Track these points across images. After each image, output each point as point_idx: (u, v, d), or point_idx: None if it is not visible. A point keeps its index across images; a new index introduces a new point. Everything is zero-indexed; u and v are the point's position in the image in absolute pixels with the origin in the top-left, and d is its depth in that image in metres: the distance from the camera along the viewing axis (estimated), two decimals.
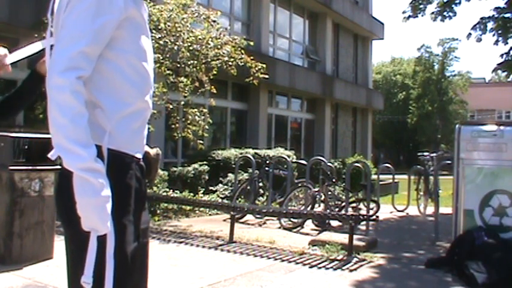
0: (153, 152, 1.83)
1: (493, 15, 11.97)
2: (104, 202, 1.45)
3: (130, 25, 1.61)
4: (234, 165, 9.42)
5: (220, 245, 5.83)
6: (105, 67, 1.57)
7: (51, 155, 1.59)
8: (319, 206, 7.93)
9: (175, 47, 7.60)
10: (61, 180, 1.59)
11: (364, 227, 7.11)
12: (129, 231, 1.58)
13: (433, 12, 12.38)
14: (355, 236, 5.66)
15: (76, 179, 1.44)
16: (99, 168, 1.46)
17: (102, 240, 1.47)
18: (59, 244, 4.81)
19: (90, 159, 1.44)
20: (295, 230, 7.09)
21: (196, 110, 8.30)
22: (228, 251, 5.58)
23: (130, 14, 1.60)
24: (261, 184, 8.86)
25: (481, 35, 12.20)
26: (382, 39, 24.50)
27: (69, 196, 1.47)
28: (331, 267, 4.96)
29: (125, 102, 1.61)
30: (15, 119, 7.59)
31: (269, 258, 5.27)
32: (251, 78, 8.30)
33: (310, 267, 4.96)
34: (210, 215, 8.44)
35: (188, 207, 8.37)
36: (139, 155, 1.67)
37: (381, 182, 11.27)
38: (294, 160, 10.86)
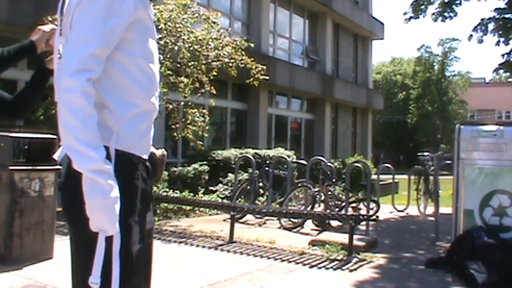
0: (158, 152, 1.84)
1: (494, 16, 11.98)
2: (113, 203, 1.46)
3: (138, 27, 1.62)
4: (234, 165, 9.43)
5: (220, 245, 5.83)
6: (112, 68, 1.58)
7: (57, 156, 1.59)
8: (319, 206, 7.92)
9: (176, 48, 7.60)
10: (66, 180, 1.59)
11: (364, 227, 7.10)
12: (135, 232, 1.58)
13: (433, 13, 12.39)
14: (355, 236, 5.66)
15: (85, 181, 1.44)
16: (108, 169, 1.46)
17: (108, 240, 1.48)
18: (59, 244, 4.81)
19: (100, 160, 1.45)
20: (295, 230, 7.10)
21: (196, 110, 8.30)
22: (228, 251, 5.58)
23: (139, 16, 1.61)
24: (261, 184, 8.86)
25: (482, 36, 12.22)
26: (382, 39, 24.52)
27: (75, 196, 1.48)
28: (331, 267, 4.96)
29: (132, 103, 1.61)
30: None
31: (269, 258, 5.27)
32: (251, 79, 8.30)
33: (310, 267, 4.96)
34: (210, 215, 8.44)
35: (188, 207, 8.37)
36: (145, 156, 1.68)
37: (381, 182, 11.28)
38: (294, 160, 10.86)
